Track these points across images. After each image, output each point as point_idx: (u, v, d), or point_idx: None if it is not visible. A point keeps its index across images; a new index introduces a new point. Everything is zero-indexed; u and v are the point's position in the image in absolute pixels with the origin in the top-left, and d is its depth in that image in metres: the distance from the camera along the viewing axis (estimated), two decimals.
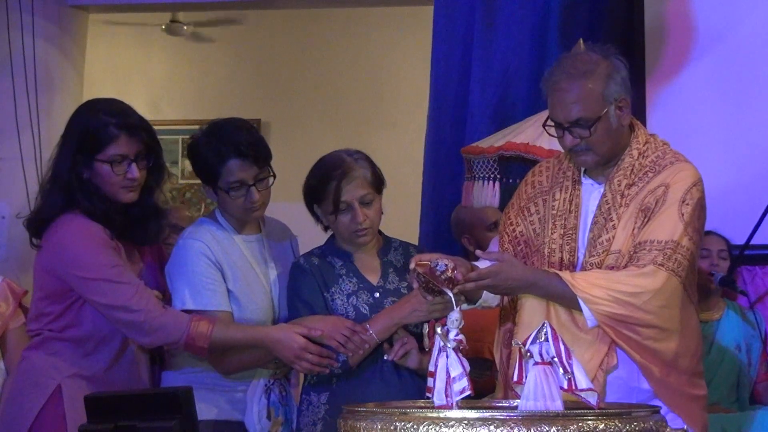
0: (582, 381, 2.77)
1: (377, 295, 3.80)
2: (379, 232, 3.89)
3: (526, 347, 2.79)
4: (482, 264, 3.42)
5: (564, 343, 2.79)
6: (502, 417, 2.61)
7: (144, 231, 3.79)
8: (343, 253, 3.85)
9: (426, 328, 3.79)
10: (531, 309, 3.47)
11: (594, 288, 3.34)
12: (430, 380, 2.89)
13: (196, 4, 7.66)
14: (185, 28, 8.30)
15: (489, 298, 3.55)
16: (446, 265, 3.24)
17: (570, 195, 3.56)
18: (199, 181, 3.98)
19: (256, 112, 7.89)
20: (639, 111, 5.44)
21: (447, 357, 2.86)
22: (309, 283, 3.80)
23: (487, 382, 4.38)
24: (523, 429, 2.58)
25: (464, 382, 2.83)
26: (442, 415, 2.65)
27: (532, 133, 5.02)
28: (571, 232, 3.52)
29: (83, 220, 3.66)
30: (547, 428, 2.58)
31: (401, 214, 5.01)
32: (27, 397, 3.67)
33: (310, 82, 8.25)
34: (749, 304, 5.42)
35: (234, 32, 8.35)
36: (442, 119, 5.88)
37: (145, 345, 3.73)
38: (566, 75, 3.46)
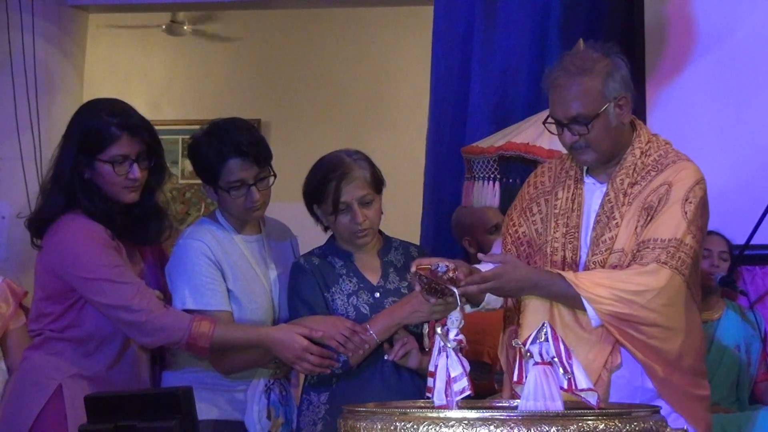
0: (582, 381, 2.77)
1: (377, 295, 3.80)
2: (380, 232, 3.89)
3: (526, 347, 2.79)
4: (484, 267, 3.42)
5: (564, 343, 2.79)
6: (502, 417, 2.61)
7: (145, 231, 3.79)
8: (343, 253, 3.85)
9: (426, 328, 3.79)
10: (534, 310, 3.46)
11: (597, 287, 3.34)
12: (430, 380, 2.89)
13: (196, 4, 7.66)
14: (185, 28, 8.30)
15: (492, 301, 3.54)
16: (447, 266, 3.25)
17: (572, 194, 3.56)
18: (199, 181, 3.98)
19: (256, 112, 7.88)
20: (639, 111, 5.42)
21: (447, 357, 2.86)
22: (309, 283, 3.80)
23: (484, 387, 4.38)
24: (523, 429, 2.57)
25: (464, 382, 2.84)
26: (442, 415, 2.65)
27: (532, 133, 5.02)
28: (573, 230, 3.51)
29: (84, 221, 3.66)
30: (547, 428, 2.58)
31: (401, 214, 5.01)
32: (28, 397, 3.67)
33: (310, 82, 8.23)
34: (749, 304, 5.42)
35: (234, 32, 8.34)
36: (442, 119, 5.87)
37: (147, 345, 3.72)
38: (565, 72, 3.46)
